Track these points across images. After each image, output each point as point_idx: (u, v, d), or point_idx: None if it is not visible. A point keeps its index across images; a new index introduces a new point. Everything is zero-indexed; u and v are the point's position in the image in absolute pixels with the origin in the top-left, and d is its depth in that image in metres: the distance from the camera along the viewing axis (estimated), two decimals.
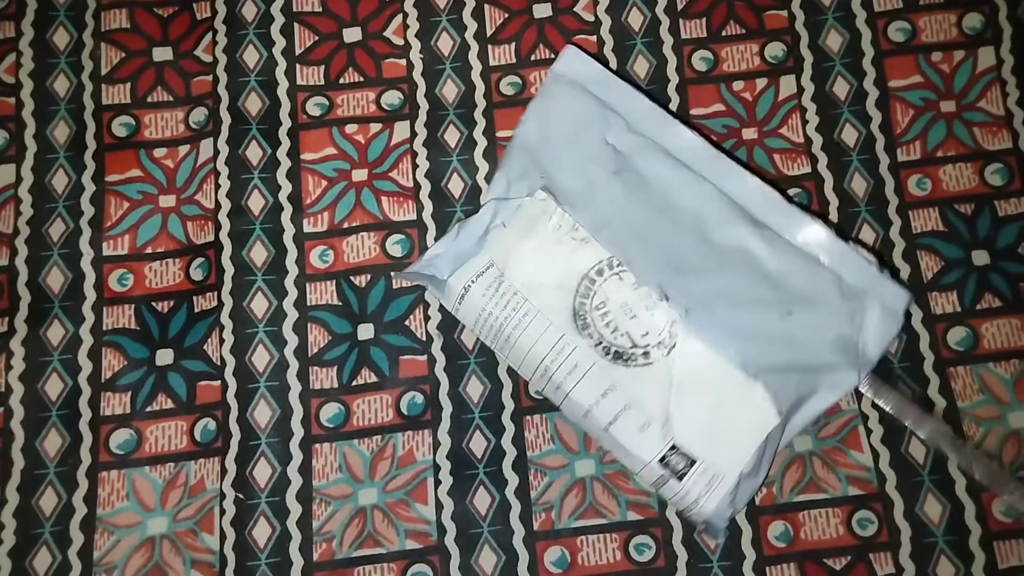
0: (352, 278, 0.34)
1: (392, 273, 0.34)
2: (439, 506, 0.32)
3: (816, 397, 0.30)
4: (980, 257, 0.34)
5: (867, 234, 0.34)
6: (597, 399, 0.30)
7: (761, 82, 0.36)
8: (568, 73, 0.33)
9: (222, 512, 0.32)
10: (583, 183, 0.31)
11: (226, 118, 0.36)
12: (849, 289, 0.30)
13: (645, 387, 0.30)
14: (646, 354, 0.30)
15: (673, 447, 0.29)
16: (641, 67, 0.36)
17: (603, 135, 0.32)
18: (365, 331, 0.34)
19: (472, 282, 0.31)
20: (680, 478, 0.29)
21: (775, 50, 0.36)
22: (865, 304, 0.30)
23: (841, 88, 0.36)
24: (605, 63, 0.36)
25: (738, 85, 0.36)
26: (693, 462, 0.29)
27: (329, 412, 0.33)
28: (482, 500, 0.32)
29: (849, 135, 0.35)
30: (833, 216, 0.35)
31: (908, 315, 0.32)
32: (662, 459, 0.29)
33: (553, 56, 0.37)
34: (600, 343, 0.30)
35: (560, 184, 0.32)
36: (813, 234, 0.30)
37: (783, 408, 0.29)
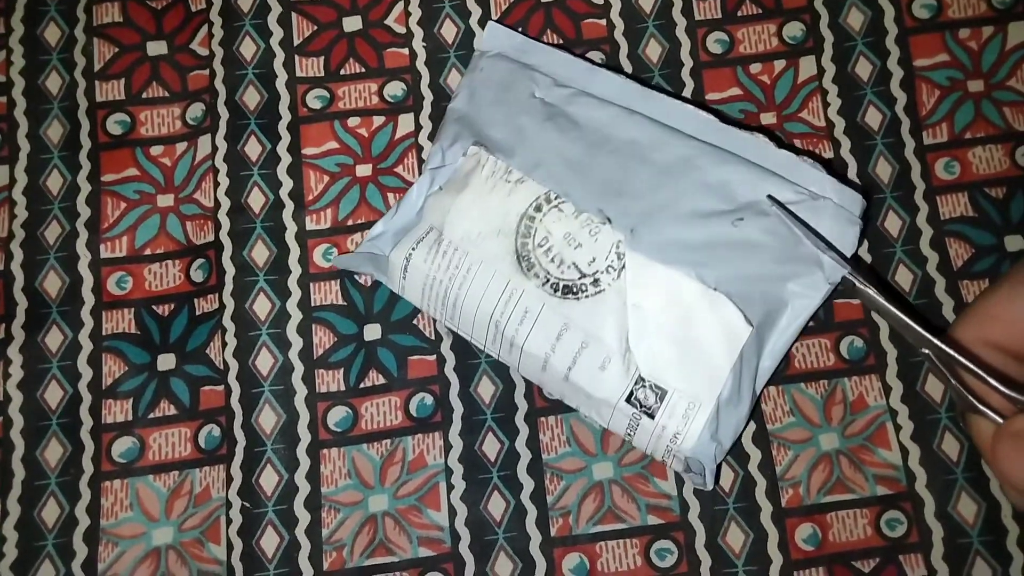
0: (357, 277, 0.33)
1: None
2: (452, 512, 0.31)
3: (787, 311, 0.29)
4: (1013, 243, 0.32)
5: (893, 221, 0.33)
6: (552, 344, 0.28)
7: (779, 64, 0.35)
8: (492, 48, 0.33)
9: (228, 521, 0.31)
10: (514, 132, 0.31)
11: (224, 113, 0.35)
12: (802, 192, 0.29)
13: (600, 319, 0.28)
14: (596, 282, 0.28)
15: (639, 380, 0.28)
16: (653, 51, 0.35)
17: (531, 91, 0.31)
18: (372, 331, 0.33)
19: (413, 249, 0.30)
20: (652, 415, 0.28)
21: (793, 30, 0.35)
22: (818, 207, 0.28)
23: (863, 69, 0.34)
24: (616, 47, 0.35)
25: (755, 68, 0.35)
26: (664, 393, 0.27)
27: (336, 416, 0.32)
28: (496, 505, 0.31)
29: (873, 118, 0.34)
30: None
31: (866, 219, 0.30)
32: (629, 397, 0.28)
33: (561, 41, 0.35)
34: (547, 281, 0.29)
35: (492, 138, 0.31)
36: (753, 144, 0.30)
37: (752, 318, 0.28)
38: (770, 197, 0.28)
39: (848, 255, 0.28)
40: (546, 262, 0.29)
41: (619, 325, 0.28)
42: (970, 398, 0.23)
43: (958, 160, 0.33)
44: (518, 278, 0.29)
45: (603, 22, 0.35)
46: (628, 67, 0.35)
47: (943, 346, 0.24)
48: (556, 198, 0.29)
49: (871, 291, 0.26)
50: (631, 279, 0.28)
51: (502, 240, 0.29)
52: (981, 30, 0.34)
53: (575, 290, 0.28)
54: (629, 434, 0.29)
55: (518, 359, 0.30)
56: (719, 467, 0.30)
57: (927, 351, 0.24)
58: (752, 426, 0.31)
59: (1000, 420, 0.22)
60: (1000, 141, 0.33)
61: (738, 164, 0.29)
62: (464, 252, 0.29)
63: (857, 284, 0.27)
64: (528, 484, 0.31)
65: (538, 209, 0.29)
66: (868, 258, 0.33)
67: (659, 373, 0.28)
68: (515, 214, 0.29)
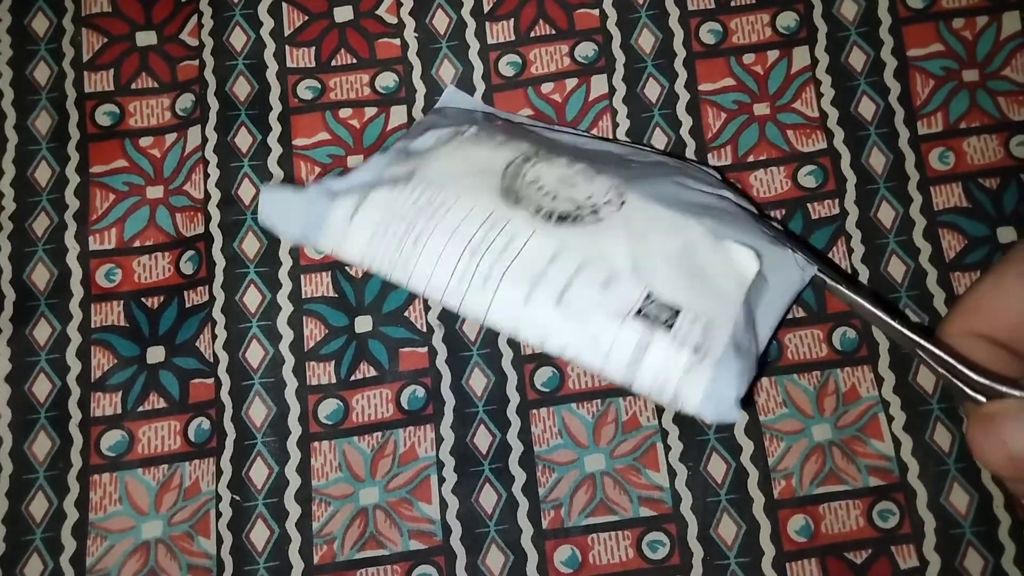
0: (348, 268, 0.33)
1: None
2: (443, 505, 0.31)
3: (773, 287, 0.26)
4: (1006, 234, 0.32)
5: (886, 212, 0.33)
6: (543, 268, 0.24)
7: (773, 54, 0.34)
8: (450, 104, 0.33)
9: (218, 515, 0.31)
10: (501, 130, 0.29)
11: (214, 104, 0.34)
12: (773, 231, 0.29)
13: (601, 242, 0.25)
14: (595, 212, 0.25)
15: (649, 295, 0.24)
16: (646, 41, 0.35)
17: (501, 119, 0.31)
18: (363, 323, 0.33)
19: (371, 191, 0.26)
20: (669, 327, 0.24)
21: (787, 20, 0.35)
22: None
23: (857, 59, 0.34)
24: (609, 38, 0.35)
25: (749, 58, 0.34)
26: (677, 312, 0.24)
27: (327, 409, 0.32)
28: (488, 498, 0.31)
29: (866, 108, 0.34)
30: (851, 194, 0.33)
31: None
32: (640, 311, 0.24)
33: (554, 32, 0.35)
34: (539, 210, 0.25)
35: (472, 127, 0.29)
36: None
37: (758, 264, 0.25)
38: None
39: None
40: (538, 195, 0.25)
41: (623, 247, 0.25)
42: (961, 385, 0.23)
43: (952, 150, 0.33)
44: (503, 209, 0.25)
45: (596, 12, 0.35)
46: (621, 57, 0.35)
47: (931, 347, 0.24)
48: (548, 152, 0.27)
49: (846, 291, 0.26)
50: (633, 212, 0.25)
51: (486, 178, 0.26)
52: (975, 20, 0.34)
53: (572, 218, 0.25)
54: (633, 364, 0.24)
55: (491, 297, 0.25)
56: (749, 392, 0.26)
57: (920, 352, 0.24)
58: (744, 417, 0.31)
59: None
60: (995, 131, 0.33)
61: (705, 175, 0.30)
62: (439, 187, 0.26)
63: (829, 282, 0.27)
64: (520, 476, 0.31)
65: (527, 159, 0.27)
66: (861, 249, 0.32)
67: (671, 291, 0.24)
68: (502, 160, 0.26)
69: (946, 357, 0.23)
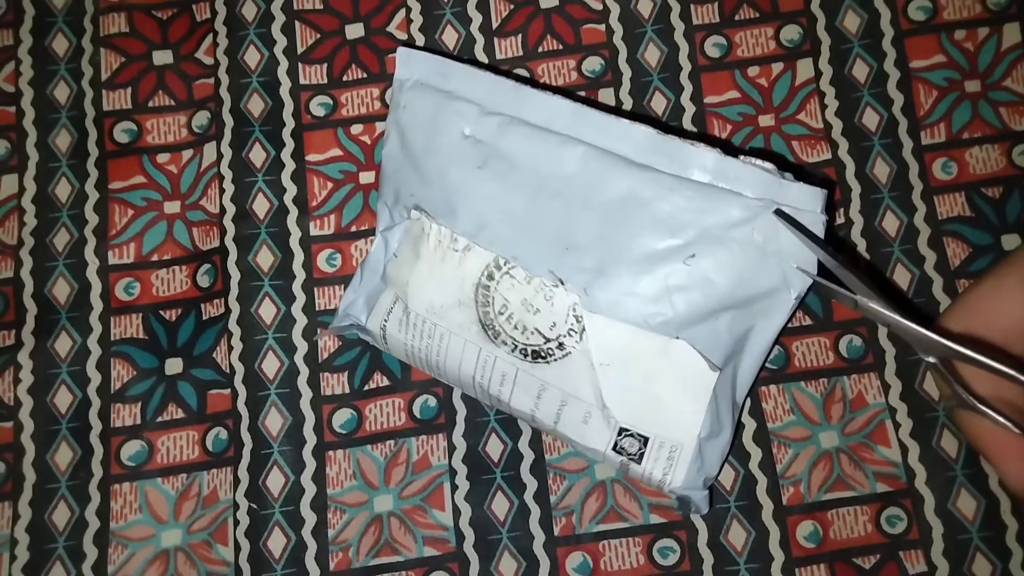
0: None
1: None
2: (456, 512, 0.31)
3: (757, 330, 0.28)
4: (1010, 242, 0.33)
5: (891, 221, 0.33)
6: (535, 402, 0.29)
7: (777, 67, 0.35)
8: (410, 76, 0.31)
9: (236, 523, 0.32)
10: (451, 189, 0.29)
11: (229, 120, 0.35)
12: (752, 205, 0.26)
13: (572, 379, 0.28)
14: (560, 346, 0.28)
15: (621, 431, 0.28)
16: (652, 55, 0.35)
17: (460, 130, 0.29)
18: None
19: (385, 321, 0.31)
20: (639, 460, 0.28)
21: (791, 33, 0.35)
22: (773, 214, 0.26)
23: (860, 70, 0.35)
24: (615, 53, 0.35)
25: (753, 71, 0.35)
26: (647, 440, 0.28)
27: (341, 418, 0.33)
28: (500, 505, 0.31)
29: (870, 119, 0.34)
30: (856, 203, 0.33)
31: (832, 210, 0.29)
32: (615, 447, 0.28)
33: (561, 47, 0.36)
34: (515, 347, 0.29)
35: (429, 197, 0.30)
36: (698, 159, 0.27)
37: (718, 359, 0.27)
38: (778, 212, 0.26)
39: (814, 255, 0.26)
40: (510, 329, 0.29)
41: (592, 384, 0.28)
42: (972, 399, 0.23)
43: (955, 160, 0.33)
44: (488, 346, 0.29)
45: (602, 27, 0.36)
46: (627, 71, 0.35)
47: (955, 346, 0.22)
48: (506, 263, 0.29)
49: (883, 309, 0.25)
50: (593, 341, 0.28)
51: (464, 311, 0.29)
52: (977, 31, 0.34)
53: (543, 355, 0.28)
54: (623, 473, 0.29)
55: (509, 410, 0.30)
56: (711, 490, 0.30)
57: (933, 360, 0.24)
58: (753, 424, 0.32)
59: (999, 418, 0.22)
60: (997, 141, 0.33)
61: (683, 189, 0.27)
62: (432, 324, 0.30)
63: (867, 303, 0.25)
64: (531, 484, 0.32)
65: (491, 277, 0.29)
66: (866, 257, 0.33)
67: (638, 422, 0.28)
68: (470, 284, 0.29)
69: (979, 356, 0.22)
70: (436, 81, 0.30)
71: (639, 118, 0.29)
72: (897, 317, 0.24)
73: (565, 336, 0.28)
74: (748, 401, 0.32)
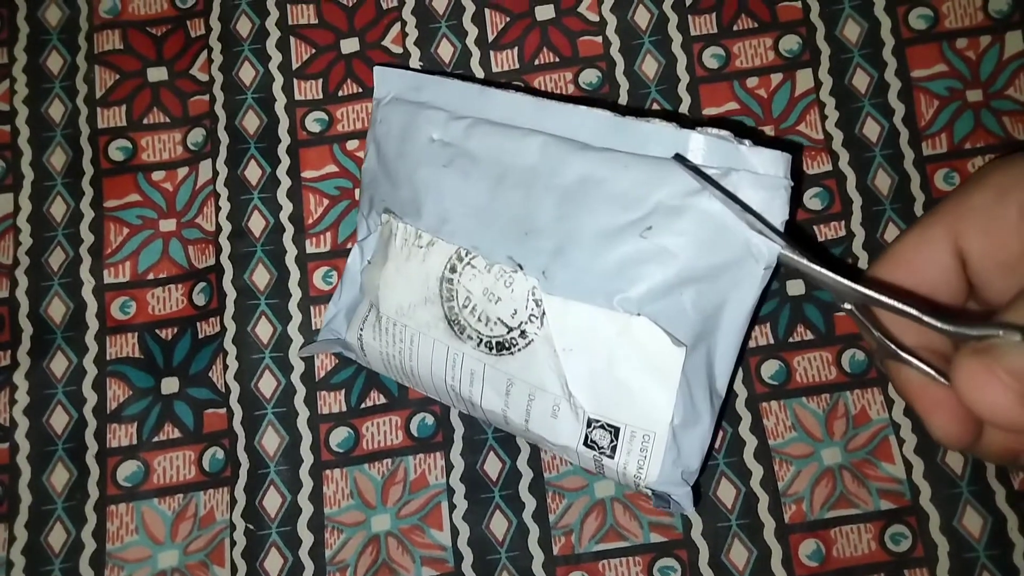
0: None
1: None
2: (455, 531, 0.31)
3: (728, 307, 0.27)
4: None
5: (893, 233, 0.33)
6: (505, 399, 0.28)
7: (776, 77, 0.35)
8: (387, 93, 0.32)
9: (233, 543, 0.31)
10: (417, 188, 0.29)
11: (224, 138, 0.35)
12: (710, 175, 0.26)
13: (537, 370, 0.27)
14: (523, 334, 0.27)
15: (590, 422, 0.27)
16: (650, 67, 0.35)
17: (428, 135, 0.30)
18: None
19: (361, 330, 0.31)
20: (611, 455, 0.27)
21: (790, 43, 0.35)
22: (732, 181, 0.26)
23: (861, 81, 0.34)
24: (612, 65, 0.35)
25: (752, 82, 0.35)
26: (617, 430, 0.27)
27: (338, 437, 0.32)
28: (499, 525, 0.31)
29: (871, 129, 0.34)
30: (857, 215, 0.33)
31: (797, 177, 0.28)
32: (585, 440, 0.27)
33: (557, 60, 0.35)
34: (480, 341, 0.28)
35: (398, 199, 0.30)
36: (655, 135, 0.27)
37: (684, 334, 0.26)
38: (677, 156, 0.26)
39: (779, 222, 0.26)
40: (474, 322, 0.28)
41: (556, 372, 0.27)
42: (893, 347, 0.22)
43: (958, 171, 0.33)
44: (455, 343, 0.28)
45: (599, 39, 0.35)
46: (625, 84, 0.35)
47: (870, 292, 0.21)
48: (467, 254, 0.28)
49: (795, 256, 0.24)
50: (554, 325, 0.27)
51: (431, 308, 0.29)
52: (979, 40, 0.34)
53: (507, 345, 0.28)
54: (599, 472, 0.28)
55: (483, 415, 0.29)
56: (697, 488, 0.29)
57: (849, 306, 0.23)
58: (754, 441, 0.31)
59: (924, 368, 0.21)
60: (1000, 151, 0.33)
61: (637, 163, 0.27)
62: (402, 326, 0.29)
63: (789, 255, 0.24)
64: (530, 503, 0.31)
65: (453, 270, 0.28)
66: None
67: (607, 411, 0.27)
68: (434, 279, 0.29)
69: (906, 307, 0.20)
70: (410, 95, 0.31)
71: (601, 104, 0.29)
72: (815, 266, 0.23)
73: (527, 323, 0.27)
74: (750, 417, 0.31)
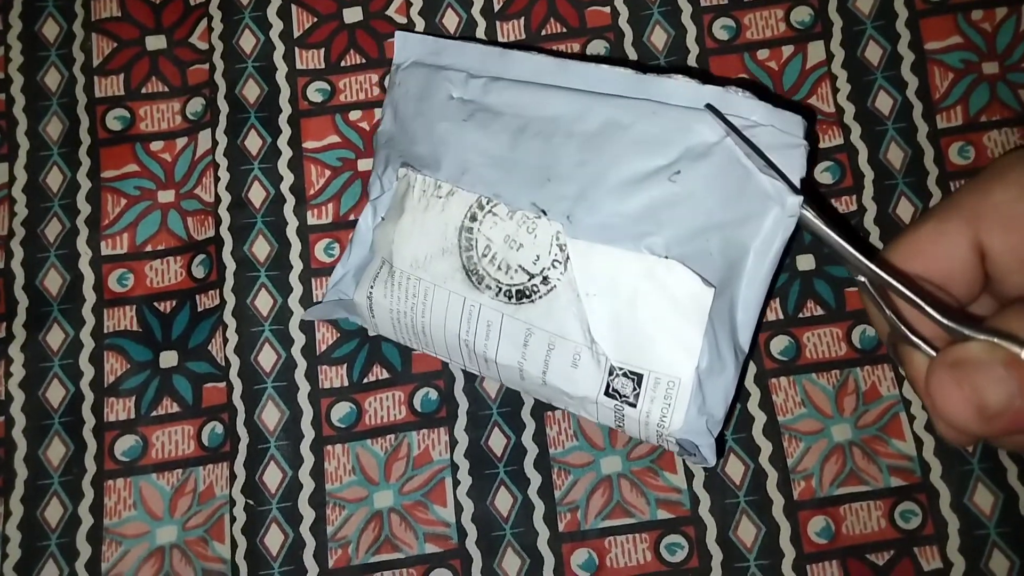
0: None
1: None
2: (459, 508, 0.31)
3: (753, 254, 0.27)
4: None
5: (905, 208, 0.32)
6: (522, 351, 0.27)
7: (787, 49, 0.34)
8: (407, 59, 0.32)
9: (232, 519, 0.31)
10: (436, 142, 0.29)
11: (224, 107, 0.34)
12: (733, 128, 0.26)
13: (559, 316, 0.27)
14: (545, 280, 0.27)
15: (612, 370, 0.26)
16: (659, 38, 0.34)
17: (448, 93, 0.30)
18: None
19: (372, 288, 0.30)
20: (633, 404, 0.26)
21: (801, 15, 0.34)
22: (755, 134, 0.26)
23: (873, 53, 0.34)
24: (621, 35, 0.34)
25: (763, 54, 0.34)
26: (640, 377, 0.26)
27: (340, 412, 0.32)
28: (503, 501, 0.31)
29: (884, 103, 0.33)
30: (869, 190, 0.32)
31: (813, 137, 0.29)
32: (607, 389, 0.26)
33: (565, 30, 0.35)
34: (500, 290, 0.27)
35: (417, 153, 0.30)
36: (679, 89, 0.27)
37: (711, 277, 0.26)
38: (708, 106, 0.26)
39: (797, 180, 0.26)
40: (494, 271, 0.27)
41: (579, 318, 0.27)
42: (904, 329, 0.22)
43: (973, 144, 0.32)
44: (472, 294, 0.28)
45: (607, 10, 0.35)
46: (633, 55, 0.34)
47: (882, 273, 0.22)
48: (488, 202, 0.28)
49: (815, 218, 0.24)
50: (578, 269, 0.26)
51: (448, 259, 0.28)
52: (995, 11, 0.33)
53: (528, 293, 0.27)
54: (619, 425, 0.27)
55: (496, 373, 0.29)
56: (721, 440, 0.28)
57: (863, 279, 0.23)
58: (763, 417, 0.31)
59: (932, 353, 0.21)
60: (1016, 124, 0.32)
61: (665, 111, 0.27)
62: (417, 279, 0.29)
63: (803, 212, 0.25)
64: (535, 479, 0.31)
65: (473, 219, 0.28)
66: (880, 245, 0.32)
67: (630, 358, 0.26)
68: (453, 228, 0.28)
69: (913, 296, 0.21)
70: (430, 59, 0.31)
71: (619, 62, 0.29)
72: (832, 232, 0.23)
73: (549, 268, 0.27)
74: (759, 393, 0.31)
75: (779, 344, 0.32)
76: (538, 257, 0.27)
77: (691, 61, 0.34)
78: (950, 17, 0.33)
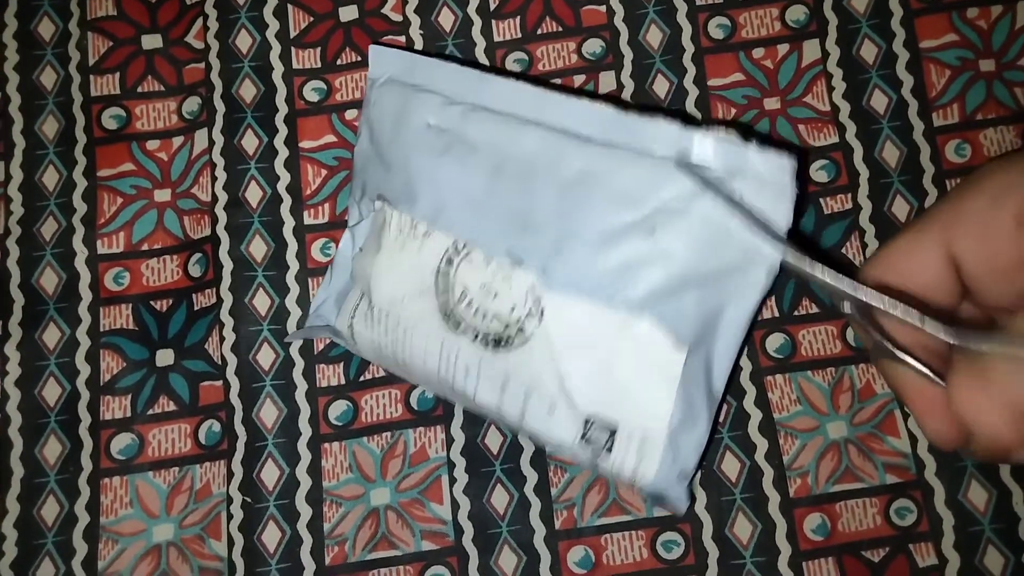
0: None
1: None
2: (455, 505, 0.31)
3: (728, 311, 0.26)
4: None
5: (901, 206, 0.32)
6: (500, 395, 0.27)
7: (783, 48, 0.34)
8: (381, 75, 0.31)
9: (229, 517, 0.31)
10: (413, 176, 0.29)
11: (220, 107, 0.34)
12: (715, 177, 0.25)
13: (535, 367, 0.27)
14: (521, 331, 0.27)
15: (587, 421, 0.26)
16: (654, 37, 0.34)
17: (424, 120, 0.29)
18: None
19: (352, 318, 0.30)
20: (609, 451, 0.26)
21: (797, 13, 0.34)
22: (737, 186, 0.25)
23: (869, 51, 0.34)
24: (616, 34, 0.34)
25: (758, 52, 0.34)
26: (615, 430, 0.26)
27: (337, 410, 0.32)
28: (500, 498, 0.31)
29: (879, 101, 0.33)
30: (864, 188, 0.32)
31: (803, 180, 0.29)
32: (583, 437, 0.27)
33: (560, 29, 0.35)
34: (476, 336, 0.27)
35: (392, 186, 0.29)
36: (659, 133, 0.26)
37: (685, 337, 0.26)
38: (679, 161, 0.25)
39: (782, 224, 0.25)
40: (471, 317, 0.27)
41: (554, 370, 0.27)
42: (890, 347, 0.22)
43: (969, 142, 0.33)
44: (451, 337, 0.28)
45: (603, 8, 0.35)
46: (629, 54, 0.34)
47: (875, 300, 0.22)
48: (464, 247, 0.28)
49: (798, 263, 0.24)
50: (552, 323, 0.26)
51: (425, 300, 0.28)
52: (990, 9, 0.33)
53: (504, 341, 0.27)
54: (593, 467, 0.28)
55: (476, 408, 0.29)
56: (691, 489, 0.29)
57: (849, 310, 0.23)
58: (759, 415, 0.31)
59: (921, 368, 0.21)
60: (1012, 122, 0.33)
61: (642, 161, 0.26)
62: (396, 317, 0.29)
63: (792, 263, 0.24)
64: (532, 477, 0.31)
65: (449, 263, 0.28)
66: (875, 244, 0.32)
67: (604, 410, 0.26)
68: (429, 271, 0.28)
69: (913, 321, 0.21)
70: (406, 76, 0.30)
71: (605, 98, 0.28)
72: (818, 272, 0.23)
73: (525, 319, 0.27)
74: (754, 391, 0.31)
75: (774, 342, 0.32)
76: (514, 307, 0.27)
77: (686, 60, 0.34)
78: (945, 15, 0.34)
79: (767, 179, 0.25)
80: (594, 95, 0.30)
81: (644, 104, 0.34)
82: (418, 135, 0.29)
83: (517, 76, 0.31)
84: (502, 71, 0.33)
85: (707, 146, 0.26)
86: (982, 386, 0.19)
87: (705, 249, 0.25)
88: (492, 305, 0.27)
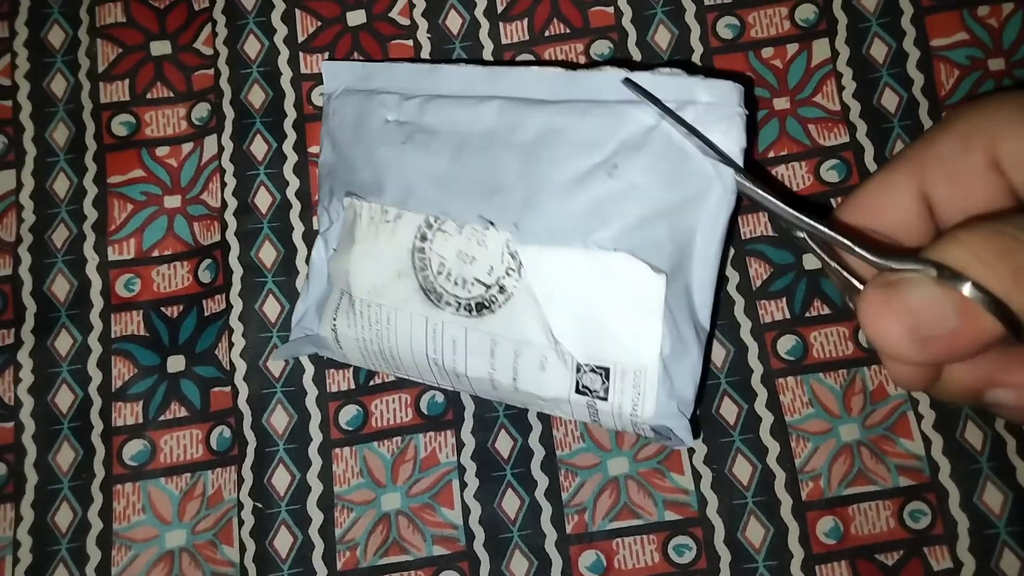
0: None
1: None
2: (466, 510, 0.31)
3: (700, 234, 0.27)
4: None
5: None
6: (490, 362, 0.28)
7: (792, 48, 0.34)
8: (337, 87, 0.32)
9: (241, 522, 0.31)
10: (378, 167, 0.29)
11: (229, 112, 0.34)
12: (666, 111, 0.26)
13: (520, 322, 0.27)
14: (502, 289, 0.27)
15: (579, 368, 0.27)
16: (663, 38, 0.34)
17: (383, 118, 0.30)
18: None
19: (335, 320, 0.30)
20: (605, 398, 0.27)
21: (806, 12, 0.34)
22: (687, 113, 0.26)
23: (879, 50, 0.33)
24: (625, 35, 0.34)
25: (767, 52, 0.34)
26: (607, 371, 0.27)
27: (347, 415, 0.32)
28: (511, 503, 0.31)
29: (889, 100, 0.33)
30: None
31: (752, 102, 0.30)
32: (577, 387, 0.27)
33: (568, 31, 0.35)
34: (459, 305, 0.28)
35: (361, 181, 0.30)
36: (607, 82, 0.27)
37: (662, 264, 0.26)
38: (627, 81, 0.27)
39: (737, 150, 0.26)
40: (451, 287, 0.28)
41: (540, 322, 0.27)
42: (851, 279, 0.22)
43: None
44: (434, 312, 0.28)
45: (610, 10, 0.35)
46: (637, 55, 0.34)
47: (811, 222, 0.23)
48: (436, 220, 0.28)
49: (748, 183, 0.25)
50: (531, 274, 0.27)
51: (405, 281, 0.28)
52: (1001, 7, 0.33)
53: (487, 304, 0.27)
54: (595, 420, 0.28)
55: (469, 386, 0.29)
56: (695, 419, 0.29)
57: (802, 235, 0.23)
58: (770, 418, 0.31)
59: (860, 286, 0.22)
60: None
61: (596, 108, 0.27)
62: (378, 305, 0.29)
63: (743, 181, 0.25)
64: (542, 481, 0.31)
65: (423, 238, 0.28)
66: None
67: (595, 353, 0.27)
68: (405, 251, 0.28)
69: (847, 241, 0.21)
70: (360, 84, 0.31)
71: (548, 63, 0.30)
72: (765, 194, 0.24)
73: (504, 277, 0.27)
74: (766, 393, 0.31)
75: (786, 344, 0.31)
76: (492, 268, 0.27)
77: (695, 61, 0.34)
78: (956, 13, 0.33)
79: (716, 106, 0.26)
80: (544, 62, 0.31)
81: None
82: (380, 131, 0.30)
83: (467, 62, 0.32)
84: (453, 61, 0.34)
85: (654, 82, 0.27)
86: (885, 299, 0.19)
87: (667, 178, 0.26)
88: (470, 270, 0.28)
